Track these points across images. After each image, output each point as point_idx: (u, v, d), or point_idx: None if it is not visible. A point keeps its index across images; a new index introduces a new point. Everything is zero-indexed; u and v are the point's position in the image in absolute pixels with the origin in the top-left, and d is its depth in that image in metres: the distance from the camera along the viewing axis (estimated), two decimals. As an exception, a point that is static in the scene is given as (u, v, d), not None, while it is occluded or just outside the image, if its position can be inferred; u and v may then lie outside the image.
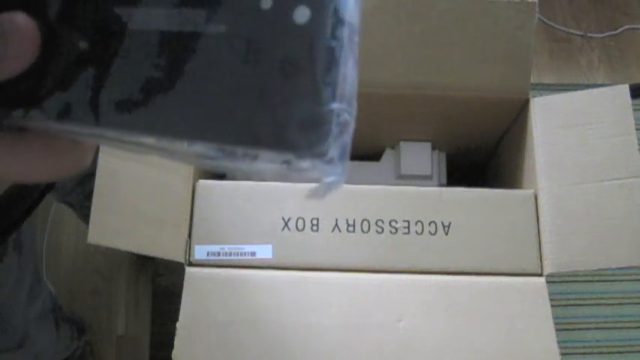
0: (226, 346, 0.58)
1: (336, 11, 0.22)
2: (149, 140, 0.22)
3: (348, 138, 0.22)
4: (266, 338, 0.58)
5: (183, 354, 0.57)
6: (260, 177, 0.23)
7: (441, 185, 0.80)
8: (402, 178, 0.79)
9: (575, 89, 0.69)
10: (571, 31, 1.42)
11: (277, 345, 0.58)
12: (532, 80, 0.69)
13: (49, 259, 1.17)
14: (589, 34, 1.41)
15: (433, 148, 0.81)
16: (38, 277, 0.76)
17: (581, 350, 1.05)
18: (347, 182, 0.69)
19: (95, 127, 0.22)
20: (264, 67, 0.22)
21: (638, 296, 1.09)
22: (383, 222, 0.64)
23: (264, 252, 0.62)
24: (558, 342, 0.58)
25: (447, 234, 0.64)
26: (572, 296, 1.09)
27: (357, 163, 0.81)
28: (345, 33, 0.22)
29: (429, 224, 0.64)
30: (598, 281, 1.10)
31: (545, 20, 1.41)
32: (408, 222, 0.64)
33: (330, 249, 0.63)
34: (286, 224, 0.63)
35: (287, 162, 0.22)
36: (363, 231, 0.63)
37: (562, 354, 0.58)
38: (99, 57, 0.22)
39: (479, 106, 0.72)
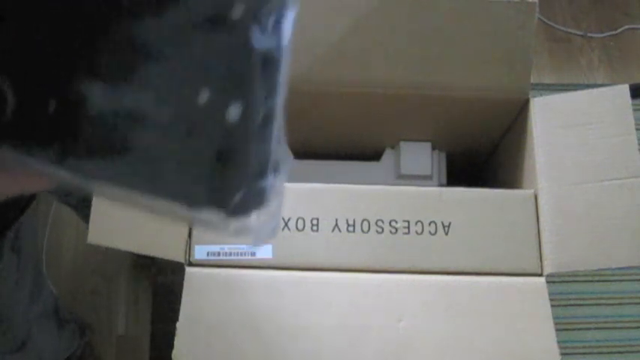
0: (226, 346, 0.58)
1: (266, 109, 0.26)
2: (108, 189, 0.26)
3: (277, 203, 0.28)
4: (266, 338, 0.58)
5: (183, 354, 0.57)
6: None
7: (441, 185, 0.80)
8: (402, 178, 0.79)
9: (575, 89, 0.69)
10: (571, 31, 1.42)
11: (277, 345, 0.58)
12: (532, 80, 0.69)
13: (50, 259, 1.17)
14: (589, 34, 1.41)
15: (433, 148, 0.81)
16: (39, 278, 0.76)
17: (581, 350, 1.05)
18: (347, 182, 0.68)
19: (57, 168, 0.25)
20: (203, 152, 0.25)
21: (638, 296, 1.09)
22: (383, 222, 0.64)
23: (264, 252, 0.62)
24: (558, 342, 0.58)
25: (447, 234, 0.64)
26: (572, 296, 1.09)
27: (357, 163, 0.81)
28: (274, 124, 0.27)
29: (429, 224, 0.64)
30: (598, 281, 1.10)
31: (545, 20, 1.40)
32: (408, 222, 0.64)
33: (330, 249, 0.63)
34: (286, 224, 0.63)
35: (227, 224, 0.27)
36: (363, 231, 0.63)
37: (562, 354, 0.58)
38: (67, 121, 0.24)
39: (479, 106, 0.72)
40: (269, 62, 0.26)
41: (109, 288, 1.17)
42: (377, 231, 0.63)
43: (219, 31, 0.24)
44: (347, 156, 0.82)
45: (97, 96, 0.24)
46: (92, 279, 1.19)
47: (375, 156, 0.82)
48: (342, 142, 0.81)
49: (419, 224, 0.64)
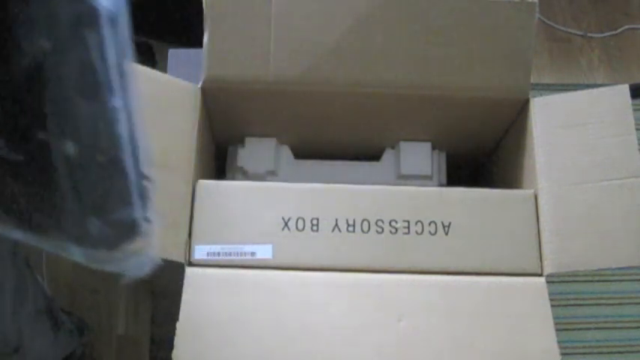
0: (226, 345, 0.58)
1: (110, 142, 0.28)
2: None
3: (148, 236, 0.30)
4: (266, 338, 0.58)
5: (183, 354, 0.57)
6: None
7: (441, 185, 0.80)
8: (402, 178, 0.79)
9: (575, 89, 0.69)
10: (571, 31, 1.41)
11: (277, 345, 0.58)
12: (532, 80, 0.69)
13: (49, 258, 1.17)
14: (589, 34, 1.41)
15: (433, 148, 0.81)
16: (23, 279, 0.75)
17: (581, 350, 1.05)
18: (347, 182, 0.69)
19: None
20: (53, 185, 0.27)
21: (638, 296, 1.09)
22: (383, 222, 0.64)
23: (264, 252, 0.62)
24: (558, 342, 0.58)
25: (447, 234, 0.63)
26: (572, 296, 1.09)
27: (357, 163, 0.81)
28: (126, 159, 0.28)
29: (429, 224, 0.64)
30: (598, 281, 1.09)
31: (545, 20, 1.40)
32: (408, 222, 0.64)
33: (330, 249, 0.63)
34: (286, 224, 0.63)
35: (92, 255, 0.30)
36: (363, 231, 0.63)
37: (562, 354, 0.58)
38: None
39: (479, 106, 0.72)
40: (94, 95, 0.27)
41: (109, 288, 1.17)
42: (377, 231, 0.63)
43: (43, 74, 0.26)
44: (347, 156, 0.82)
45: None
46: (92, 279, 1.19)
47: (375, 156, 0.82)
48: (342, 142, 0.81)
49: (419, 224, 0.64)
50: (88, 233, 0.28)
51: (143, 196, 0.29)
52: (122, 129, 0.28)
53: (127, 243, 0.29)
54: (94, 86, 0.27)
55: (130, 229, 0.29)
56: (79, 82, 0.26)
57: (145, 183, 0.29)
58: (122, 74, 0.28)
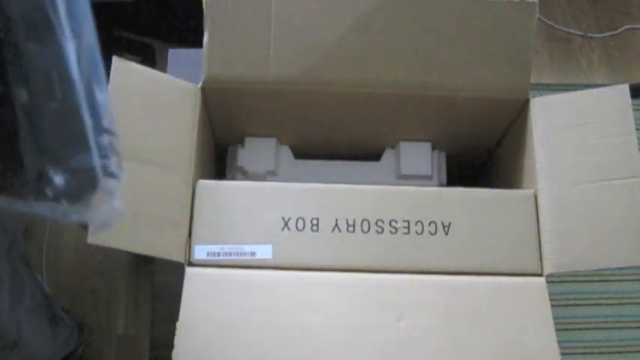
0: (226, 346, 0.58)
1: (64, 90, 0.27)
2: None
3: (111, 187, 0.29)
4: (266, 338, 0.58)
5: (183, 354, 0.57)
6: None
7: (441, 185, 0.80)
8: (402, 178, 0.79)
9: (575, 89, 0.69)
10: (571, 31, 1.41)
11: (277, 345, 0.58)
12: (532, 80, 0.69)
13: (49, 259, 1.17)
14: (589, 34, 1.41)
15: (433, 148, 0.81)
16: (19, 276, 0.75)
17: (581, 350, 1.05)
18: (347, 182, 0.69)
19: None
20: (14, 139, 0.27)
21: (638, 296, 1.09)
22: (383, 222, 0.64)
23: (264, 252, 0.62)
24: (558, 342, 0.58)
25: (447, 234, 0.63)
26: (572, 296, 1.09)
27: (357, 163, 0.81)
28: (80, 109, 0.28)
29: (429, 224, 0.64)
30: (598, 281, 1.09)
31: (545, 20, 1.40)
32: (408, 222, 0.64)
33: (330, 249, 0.63)
34: (286, 224, 0.63)
35: (56, 209, 0.29)
36: (363, 231, 0.63)
37: (562, 354, 0.58)
38: None
39: (479, 106, 0.72)
40: (44, 39, 0.26)
41: (109, 288, 1.17)
42: (377, 231, 0.63)
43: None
44: (347, 156, 0.82)
45: None
46: (92, 279, 1.19)
47: (375, 156, 0.82)
48: (342, 142, 0.81)
49: (419, 224, 0.64)
50: (48, 184, 0.27)
51: (103, 146, 0.29)
52: (75, 75, 0.27)
53: (89, 194, 0.29)
54: (44, 30, 0.26)
55: (89, 178, 0.28)
56: (29, 27, 0.26)
57: (107, 136, 0.29)
58: (75, 21, 0.27)
